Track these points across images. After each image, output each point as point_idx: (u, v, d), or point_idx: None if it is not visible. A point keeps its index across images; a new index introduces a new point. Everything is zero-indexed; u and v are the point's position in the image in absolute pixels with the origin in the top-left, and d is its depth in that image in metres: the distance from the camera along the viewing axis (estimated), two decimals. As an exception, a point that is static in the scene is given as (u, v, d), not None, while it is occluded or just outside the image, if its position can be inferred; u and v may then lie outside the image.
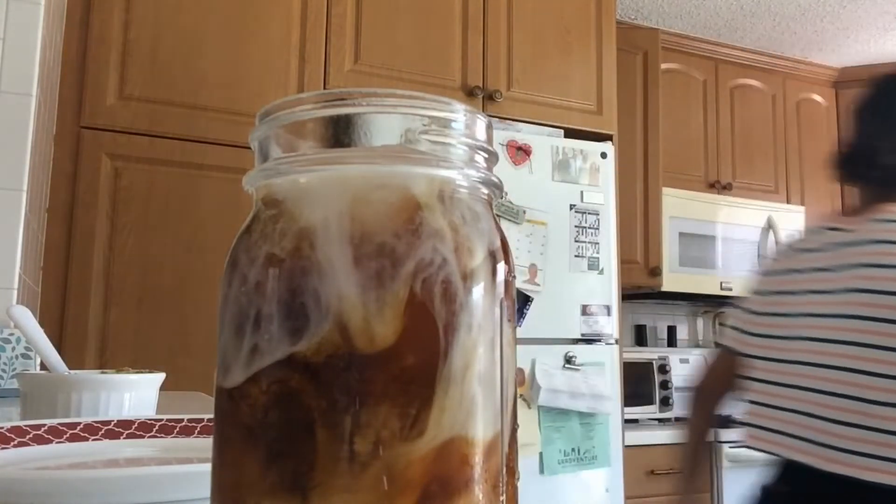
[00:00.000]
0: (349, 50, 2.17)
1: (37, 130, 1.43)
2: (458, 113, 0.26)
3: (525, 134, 2.26)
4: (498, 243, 0.26)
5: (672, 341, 3.37)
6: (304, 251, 0.24)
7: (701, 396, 1.53)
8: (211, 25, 2.02)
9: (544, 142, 2.27)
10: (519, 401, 2.11)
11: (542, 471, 2.11)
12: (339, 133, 0.25)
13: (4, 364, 1.27)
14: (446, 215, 0.25)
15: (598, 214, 2.31)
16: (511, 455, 0.26)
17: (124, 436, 0.56)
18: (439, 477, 0.23)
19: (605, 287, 2.30)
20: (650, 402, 2.92)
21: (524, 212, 2.20)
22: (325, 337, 0.23)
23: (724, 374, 1.47)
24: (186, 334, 1.89)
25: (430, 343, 0.23)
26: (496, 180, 0.27)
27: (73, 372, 0.77)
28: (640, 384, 2.91)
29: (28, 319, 0.76)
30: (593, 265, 2.29)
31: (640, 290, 2.98)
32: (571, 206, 2.27)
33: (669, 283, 2.97)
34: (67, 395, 0.71)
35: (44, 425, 0.53)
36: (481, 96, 2.33)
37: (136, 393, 0.75)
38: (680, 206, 3.05)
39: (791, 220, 3.32)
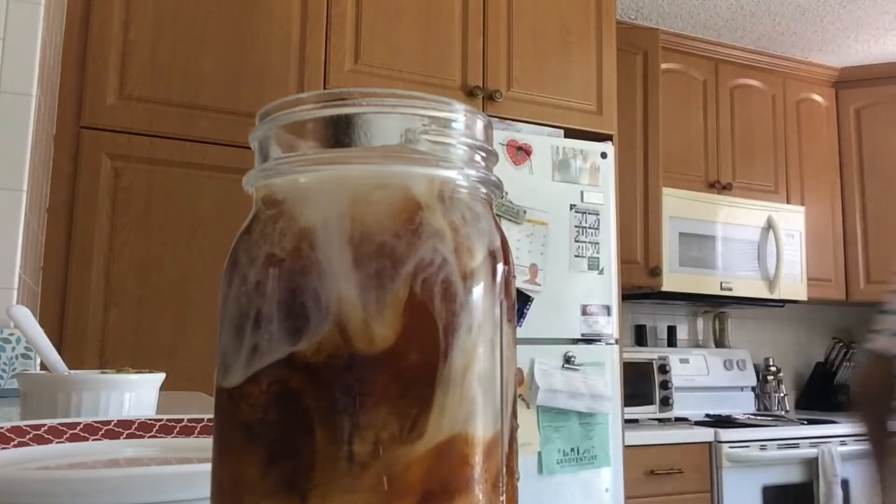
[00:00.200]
0: (349, 50, 2.17)
1: (37, 130, 1.43)
2: (458, 113, 0.26)
3: (525, 134, 2.26)
4: (498, 243, 0.26)
5: (672, 341, 3.37)
6: (304, 251, 0.24)
7: (868, 406, 1.49)
8: (211, 25, 2.02)
9: (544, 142, 2.27)
10: (518, 401, 2.11)
11: (540, 471, 2.11)
12: (339, 133, 0.25)
13: (4, 364, 1.27)
14: (446, 215, 0.25)
15: (598, 214, 2.31)
16: (511, 455, 0.26)
17: (124, 436, 0.56)
18: (439, 477, 0.23)
19: (605, 287, 2.30)
20: (650, 402, 2.92)
21: (524, 212, 2.20)
22: (325, 337, 0.23)
23: (882, 379, 1.44)
24: (186, 334, 1.89)
25: (430, 343, 0.23)
26: (496, 180, 0.27)
27: (73, 372, 0.77)
28: (640, 384, 2.91)
29: (28, 319, 0.76)
30: (593, 265, 2.29)
31: (640, 290, 2.98)
32: (571, 206, 2.27)
33: (669, 283, 2.97)
34: (67, 395, 0.71)
35: (44, 425, 0.53)
36: (481, 96, 2.33)
37: (136, 393, 0.75)
38: (680, 206, 3.05)
39: (791, 220, 3.33)
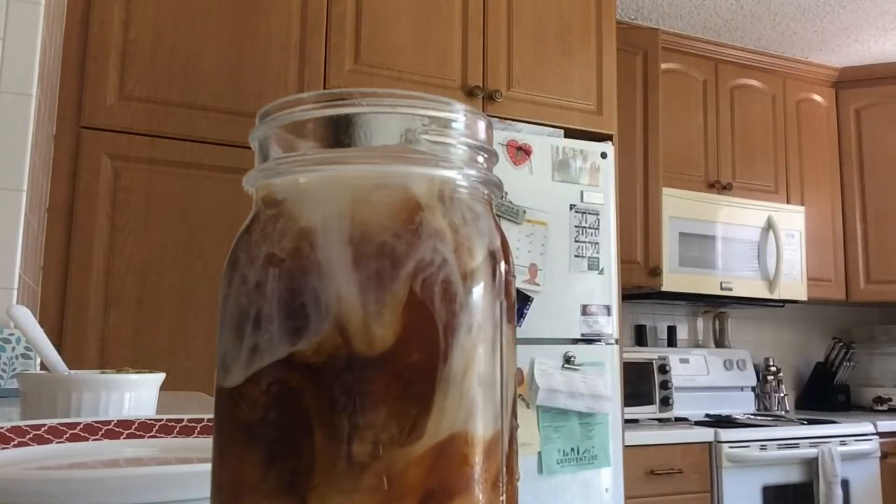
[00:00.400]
0: (349, 50, 2.17)
1: (37, 130, 1.43)
2: (458, 113, 0.26)
3: (525, 134, 2.26)
4: (498, 243, 0.26)
5: (672, 341, 3.37)
6: (304, 251, 0.24)
7: None
8: (211, 25, 2.02)
9: (544, 142, 2.27)
10: (518, 401, 2.11)
11: (540, 471, 2.11)
12: (339, 133, 0.25)
13: (4, 364, 1.27)
14: (446, 215, 0.25)
15: (598, 214, 2.31)
16: (511, 455, 0.26)
17: (124, 436, 0.56)
18: (439, 477, 0.23)
19: (605, 287, 2.30)
20: (650, 402, 2.92)
21: (524, 212, 2.20)
22: (324, 337, 0.23)
23: None
24: (186, 334, 1.89)
25: (429, 344, 0.23)
26: (496, 180, 0.27)
27: (73, 372, 0.77)
28: (640, 384, 2.91)
29: (28, 319, 0.76)
30: (593, 265, 2.29)
31: (640, 290, 2.98)
32: (571, 206, 2.27)
33: (669, 283, 2.97)
34: (67, 395, 0.71)
35: (44, 425, 0.53)
36: (481, 96, 2.33)
37: (136, 393, 0.75)
38: (680, 206, 3.05)
39: (791, 220, 3.33)
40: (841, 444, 2.87)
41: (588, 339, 2.27)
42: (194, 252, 1.93)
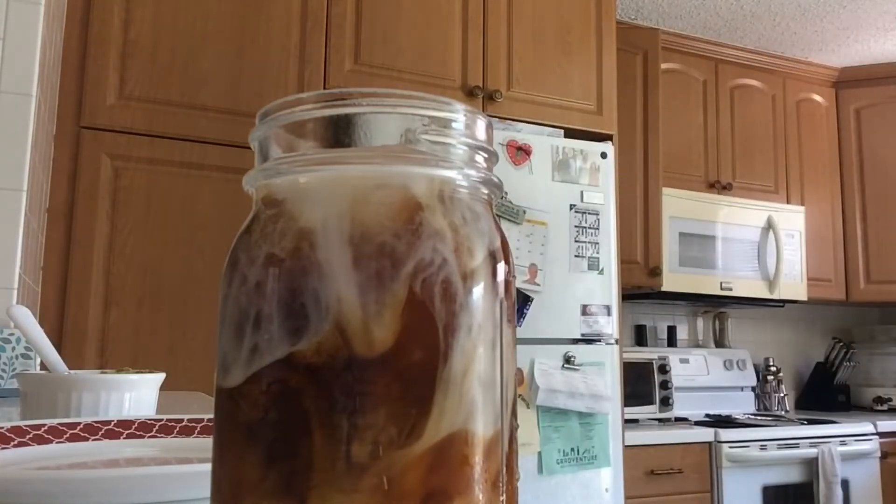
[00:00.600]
0: (349, 50, 2.17)
1: (37, 130, 1.43)
2: (458, 113, 0.26)
3: (525, 134, 2.26)
4: (498, 243, 0.26)
5: (672, 341, 3.37)
6: (304, 251, 0.24)
7: None
8: (211, 25, 2.02)
9: (544, 142, 2.27)
10: (518, 401, 2.11)
11: (540, 471, 2.11)
12: (339, 133, 0.25)
13: (4, 364, 1.27)
14: (446, 215, 0.25)
15: (598, 214, 2.31)
16: (511, 455, 0.26)
17: (124, 436, 0.56)
18: (439, 478, 0.23)
19: (605, 287, 2.30)
20: (650, 402, 2.92)
21: (524, 212, 2.20)
22: (324, 337, 0.23)
23: None
24: (186, 334, 1.89)
25: (429, 344, 0.23)
26: (496, 180, 0.27)
27: (73, 372, 0.77)
28: (640, 384, 2.91)
29: (28, 319, 0.76)
30: (593, 265, 2.29)
31: (640, 290, 2.98)
32: (571, 206, 2.27)
33: (669, 283, 2.97)
34: (67, 395, 0.71)
35: (44, 425, 0.53)
36: (481, 96, 2.33)
37: (136, 393, 0.75)
38: (680, 206, 3.05)
39: (791, 220, 3.33)
40: (841, 444, 2.87)
41: (588, 339, 2.27)
42: (194, 252, 1.93)
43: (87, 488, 0.36)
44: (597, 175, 2.33)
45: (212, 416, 0.27)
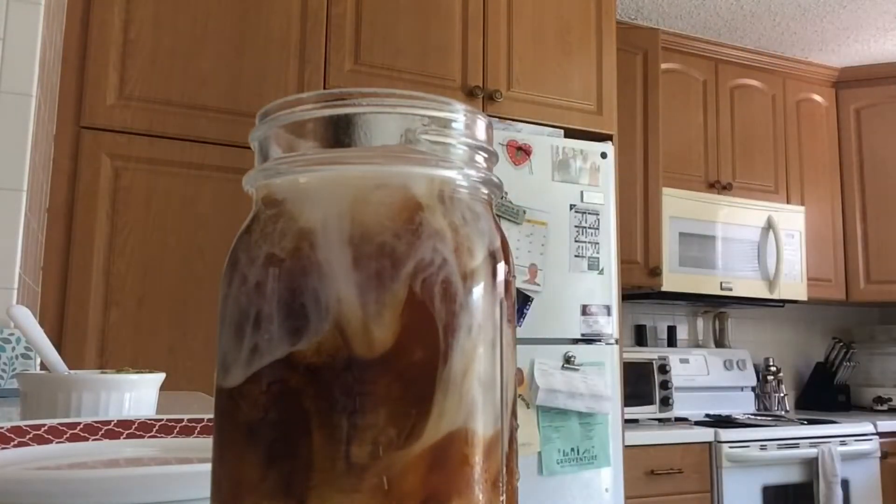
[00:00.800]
0: (349, 50, 2.17)
1: (37, 130, 1.43)
2: (458, 113, 0.26)
3: (525, 134, 2.26)
4: (498, 243, 0.26)
5: (672, 341, 3.37)
6: (304, 251, 0.24)
7: None
8: (211, 25, 2.02)
9: (544, 142, 2.27)
10: (518, 401, 2.11)
11: (540, 471, 2.11)
12: (339, 133, 0.25)
13: (4, 364, 1.27)
14: (446, 215, 0.25)
15: (598, 214, 2.31)
16: (511, 455, 0.26)
17: (124, 436, 0.56)
18: (439, 478, 0.23)
19: (605, 287, 2.30)
20: (650, 402, 2.92)
21: (524, 212, 2.20)
22: (324, 338, 0.23)
23: None
24: (186, 334, 1.89)
25: (430, 344, 0.23)
26: (496, 180, 0.27)
27: (73, 372, 0.77)
28: (640, 384, 2.91)
29: (28, 319, 0.76)
30: (593, 265, 2.29)
31: (640, 290, 2.98)
32: (571, 206, 2.27)
33: (669, 283, 2.97)
34: (67, 395, 0.71)
35: (44, 425, 0.53)
36: (481, 96, 2.33)
37: (136, 393, 0.75)
38: (680, 206, 3.05)
39: (791, 220, 3.33)
40: (841, 444, 2.87)
41: (588, 339, 2.27)
42: (194, 252, 1.93)
43: (87, 488, 0.36)
44: (597, 175, 2.33)
45: (212, 416, 0.27)
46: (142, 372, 0.78)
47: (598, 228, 2.31)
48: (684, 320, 3.52)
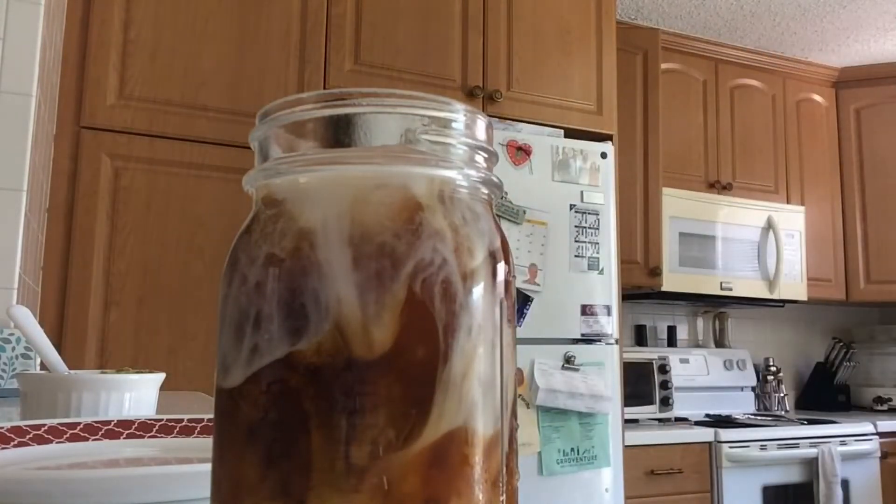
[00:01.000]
0: (349, 50, 2.17)
1: (37, 130, 1.43)
2: (458, 113, 0.26)
3: (525, 134, 2.26)
4: (498, 243, 0.26)
5: (672, 341, 3.37)
6: (304, 251, 0.24)
7: None
8: (211, 25, 2.02)
9: (544, 142, 2.27)
10: (518, 401, 2.11)
11: (540, 471, 2.11)
12: (339, 133, 0.25)
13: (4, 364, 1.27)
14: (446, 215, 0.25)
15: (598, 214, 2.31)
16: (511, 455, 0.26)
17: (124, 436, 0.56)
18: (439, 478, 0.23)
19: (605, 287, 2.30)
20: (650, 402, 2.92)
21: (524, 212, 2.20)
22: (324, 338, 0.23)
23: None
24: (186, 334, 1.89)
25: (429, 344, 0.23)
26: (496, 180, 0.27)
27: (73, 372, 0.77)
28: (640, 384, 2.91)
29: (28, 319, 0.76)
30: (593, 265, 2.29)
31: (640, 290, 2.98)
32: (571, 206, 2.27)
33: (669, 283, 2.97)
34: (67, 395, 0.71)
35: (44, 425, 0.53)
36: (481, 96, 2.33)
37: (136, 393, 0.75)
38: (680, 206, 3.05)
39: (791, 220, 3.33)
40: (841, 444, 2.87)
41: (588, 339, 2.27)
42: (194, 252, 1.93)
43: (87, 488, 0.36)
44: (597, 175, 2.33)
45: (212, 416, 0.27)
46: (142, 372, 0.78)
47: (598, 228, 2.31)
48: (684, 320, 3.52)
